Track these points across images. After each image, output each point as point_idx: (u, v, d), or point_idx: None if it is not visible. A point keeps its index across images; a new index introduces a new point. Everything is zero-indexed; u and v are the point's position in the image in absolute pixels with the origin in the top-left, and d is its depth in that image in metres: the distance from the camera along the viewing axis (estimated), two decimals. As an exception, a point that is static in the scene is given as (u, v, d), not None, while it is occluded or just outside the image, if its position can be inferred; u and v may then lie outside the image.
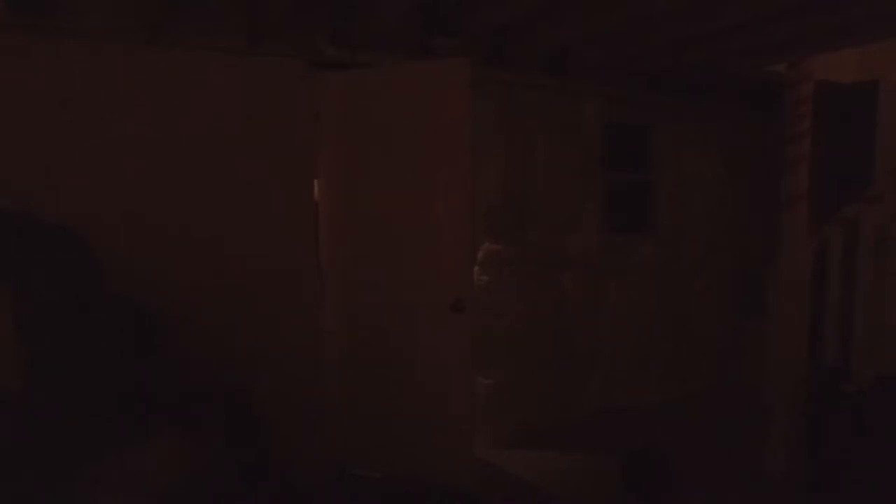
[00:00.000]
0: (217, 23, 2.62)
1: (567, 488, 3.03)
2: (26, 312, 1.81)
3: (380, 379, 2.98)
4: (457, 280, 2.79)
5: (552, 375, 3.84)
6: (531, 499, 2.97)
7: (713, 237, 4.55)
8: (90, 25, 2.38)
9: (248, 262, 2.74)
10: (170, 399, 2.03)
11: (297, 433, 2.82)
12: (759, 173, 4.54)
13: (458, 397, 2.85)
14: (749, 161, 4.58)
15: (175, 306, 2.46)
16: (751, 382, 3.89)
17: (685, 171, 4.39)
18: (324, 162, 2.99)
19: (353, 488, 2.95)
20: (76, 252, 2.08)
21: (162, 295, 2.43)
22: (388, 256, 2.93)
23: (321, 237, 3.03)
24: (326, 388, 3.02)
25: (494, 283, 3.52)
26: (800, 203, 2.89)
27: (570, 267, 3.87)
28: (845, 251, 2.80)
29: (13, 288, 1.81)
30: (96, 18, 2.39)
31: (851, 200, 2.83)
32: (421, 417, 2.92)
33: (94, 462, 1.74)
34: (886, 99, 4.24)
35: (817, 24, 2.97)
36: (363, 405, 3.02)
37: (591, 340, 4.02)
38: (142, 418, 1.90)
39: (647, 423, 3.89)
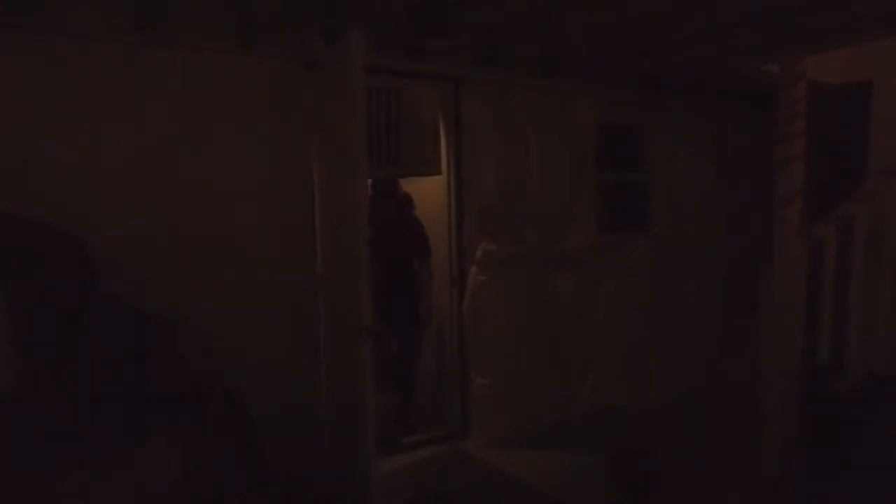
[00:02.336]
0: (212, 23, 2.61)
1: (561, 488, 3.04)
2: (21, 314, 1.81)
3: (337, 388, 2.92)
4: (356, 302, 2.48)
5: (547, 375, 3.85)
6: (525, 498, 2.98)
7: (708, 236, 4.57)
8: (83, 25, 2.37)
9: (245, 263, 2.74)
10: (166, 399, 2.03)
11: (295, 432, 2.81)
12: (755, 172, 4.56)
13: (360, 424, 2.58)
14: (744, 160, 4.60)
15: (172, 307, 2.45)
16: (745, 381, 3.91)
17: (680, 171, 4.40)
18: (316, 163, 2.98)
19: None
20: (72, 253, 2.08)
21: (158, 295, 2.43)
22: (334, 267, 2.81)
23: (318, 237, 3.03)
24: (322, 389, 3.01)
25: (491, 282, 3.53)
26: (794, 202, 2.90)
27: (566, 266, 3.88)
28: (839, 250, 2.81)
29: (7, 289, 1.81)
30: (89, 18, 2.38)
31: (845, 200, 2.84)
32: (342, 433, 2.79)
33: (90, 463, 1.74)
34: (880, 99, 4.26)
35: (815, 24, 2.98)
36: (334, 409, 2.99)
37: (586, 339, 4.03)
38: (139, 419, 1.90)
39: (643, 421, 3.90)
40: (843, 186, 3.18)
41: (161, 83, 2.54)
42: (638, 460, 2.95)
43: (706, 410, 4.06)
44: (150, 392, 2.01)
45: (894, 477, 2.47)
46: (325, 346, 2.95)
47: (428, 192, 3.88)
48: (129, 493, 1.79)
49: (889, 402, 2.60)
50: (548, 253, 3.80)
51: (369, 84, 3.36)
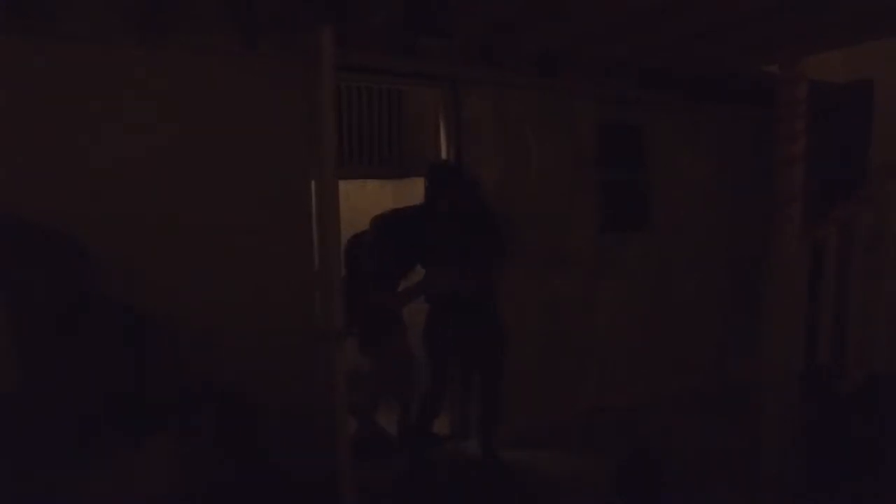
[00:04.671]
0: (211, 23, 2.60)
1: (562, 489, 3.04)
2: (20, 315, 1.81)
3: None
4: (326, 303, 2.34)
5: (547, 375, 3.85)
6: (525, 499, 2.98)
7: (708, 236, 4.55)
8: (83, 26, 2.36)
9: (243, 264, 2.74)
10: (165, 401, 2.03)
11: (294, 432, 2.81)
12: (755, 172, 4.54)
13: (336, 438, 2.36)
14: (745, 160, 4.58)
15: (170, 307, 2.45)
16: (746, 382, 3.90)
17: (680, 171, 4.39)
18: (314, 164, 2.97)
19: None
20: (71, 254, 2.08)
21: (157, 296, 2.43)
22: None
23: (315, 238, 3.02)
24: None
25: (490, 282, 3.51)
26: (794, 203, 2.89)
27: (565, 266, 3.87)
28: (839, 251, 2.80)
29: (6, 290, 1.81)
30: (88, 18, 2.37)
31: (846, 200, 2.83)
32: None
33: (88, 464, 1.74)
34: (881, 99, 4.25)
35: (815, 23, 2.97)
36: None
37: (586, 340, 4.02)
38: (136, 420, 1.90)
39: (643, 422, 3.90)
40: (844, 186, 3.17)
41: (160, 83, 2.54)
42: (639, 461, 2.95)
43: (707, 411, 4.05)
44: (147, 393, 2.01)
45: (895, 476, 2.47)
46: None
47: (428, 192, 3.87)
48: (126, 493, 1.79)
49: (890, 403, 2.59)
50: (547, 253, 3.78)
51: (371, 85, 3.38)
